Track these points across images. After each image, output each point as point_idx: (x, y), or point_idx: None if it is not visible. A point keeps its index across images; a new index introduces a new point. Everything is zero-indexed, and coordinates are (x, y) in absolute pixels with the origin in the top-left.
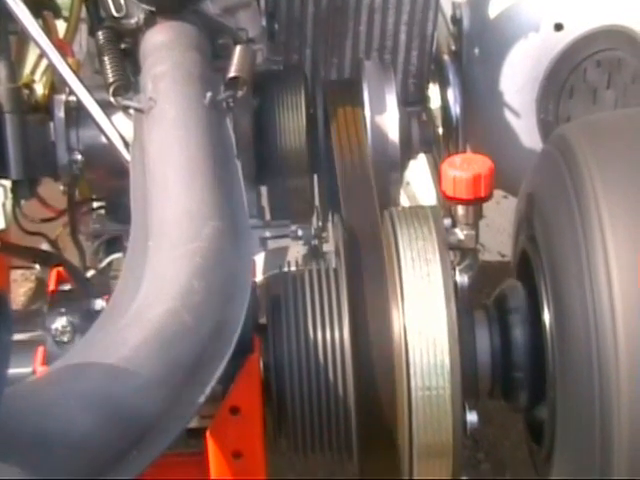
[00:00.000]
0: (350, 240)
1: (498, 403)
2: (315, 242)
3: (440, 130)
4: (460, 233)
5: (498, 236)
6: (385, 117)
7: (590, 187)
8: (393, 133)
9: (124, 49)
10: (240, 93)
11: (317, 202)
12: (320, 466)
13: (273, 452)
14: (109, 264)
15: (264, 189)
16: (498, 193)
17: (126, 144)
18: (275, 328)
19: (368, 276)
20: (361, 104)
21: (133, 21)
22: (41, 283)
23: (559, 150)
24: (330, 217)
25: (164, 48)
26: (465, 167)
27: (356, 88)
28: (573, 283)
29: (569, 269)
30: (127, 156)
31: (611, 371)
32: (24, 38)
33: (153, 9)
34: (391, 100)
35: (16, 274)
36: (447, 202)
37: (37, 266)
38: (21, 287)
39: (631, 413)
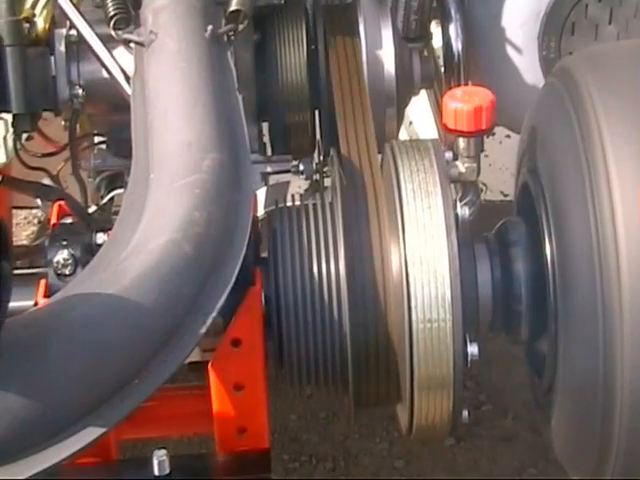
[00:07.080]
0: (347, 174)
1: (501, 346)
2: (316, 177)
3: (442, 67)
4: (461, 166)
5: (500, 175)
6: (381, 52)
7: (593, 117)
8: (389, 68)
9: None
10: (241, 27)
11: (318, 137)
12: (321, 408)
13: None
14: (111, 200)
15: (265, 125)
16: (501, 132)
17: (127, 78)
18: (275, 261)
19: (364, 209)
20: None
21: None
22: (44, 226)
23: (562, 82)
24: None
25: None
26: (466, 99)
27: (355, 16)
28: (576, 214)
29: (572, 200)
30: (128, 90)
31: (614, 301)
32: None
33: None
34: (387, 35)
35: (19, 217)
36: (448, 134)
37: (39, 202)
38: (24, 230)
39: (634, 343)
